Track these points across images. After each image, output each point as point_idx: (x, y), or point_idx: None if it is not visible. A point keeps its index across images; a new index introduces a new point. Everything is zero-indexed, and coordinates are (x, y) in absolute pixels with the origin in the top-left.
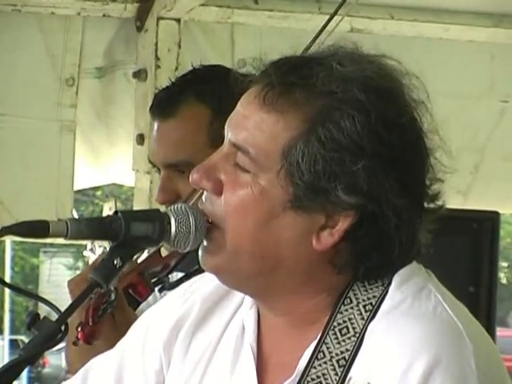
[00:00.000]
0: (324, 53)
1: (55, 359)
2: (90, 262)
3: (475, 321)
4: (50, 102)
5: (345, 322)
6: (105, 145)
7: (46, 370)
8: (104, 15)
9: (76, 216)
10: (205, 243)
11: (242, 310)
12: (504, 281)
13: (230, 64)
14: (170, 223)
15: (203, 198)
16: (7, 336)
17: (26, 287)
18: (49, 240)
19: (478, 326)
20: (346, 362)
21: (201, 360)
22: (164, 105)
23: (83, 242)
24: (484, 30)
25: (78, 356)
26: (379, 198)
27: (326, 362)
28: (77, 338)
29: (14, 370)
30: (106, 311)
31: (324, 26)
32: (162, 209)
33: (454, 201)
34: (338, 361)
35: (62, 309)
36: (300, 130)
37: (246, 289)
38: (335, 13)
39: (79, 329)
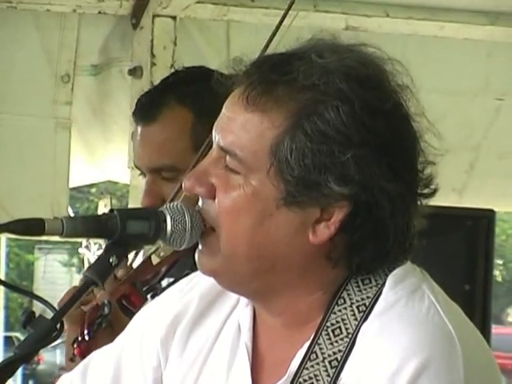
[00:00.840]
0: (303, 47)
1: (50, 356)
2: (85, 259)
3: (469, 322)
4: (45, 99)
5: (338, 322)
6: (100, 142)
7: (41, 367)
8: (100, 12)
9: (71, 213)
10: (200, 247)
11: (239, 308)
12: (499, 278)
13: (226, 61)
14: (165, 221)
15: (199, 203)
16: (2, 333)
17: (21, 283)
18: (44, 237)
19: (471, 328)
20: (338, 363)
21: (198, 357)
22: (146, 109)
23: (78, 240)
24: (480, 27)
25: None
26: (372, 186)
27: (318, 363)
28: (73, 354)
29: (9, 368)
30: (100, 325)
31: (280, 22)
32: None
33: (449, 199)
34: (330, 362)
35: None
36: (285, 126)
37: (243, 290)
38: (289, 8)
39: (75, 345)
